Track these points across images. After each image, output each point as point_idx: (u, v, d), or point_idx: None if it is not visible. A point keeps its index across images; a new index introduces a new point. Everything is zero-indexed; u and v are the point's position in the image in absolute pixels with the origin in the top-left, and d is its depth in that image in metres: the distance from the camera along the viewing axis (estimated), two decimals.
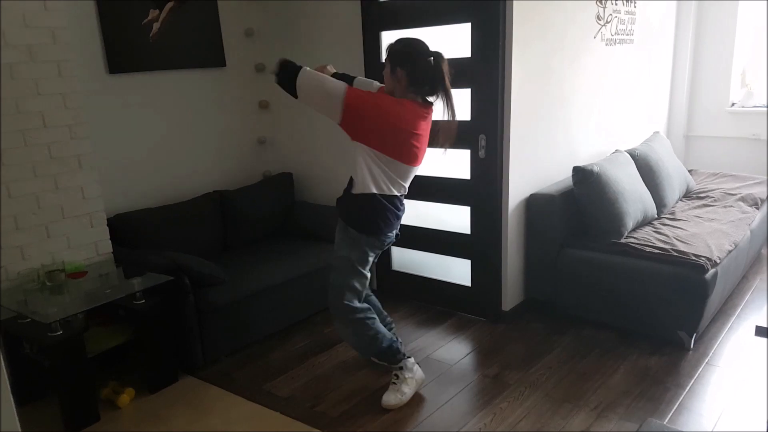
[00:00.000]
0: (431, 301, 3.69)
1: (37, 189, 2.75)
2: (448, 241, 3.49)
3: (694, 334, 3.00)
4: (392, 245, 2.81)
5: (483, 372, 2.90)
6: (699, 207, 3.88)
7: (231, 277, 3.05)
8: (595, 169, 3.29)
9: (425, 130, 2.46)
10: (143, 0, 3.31)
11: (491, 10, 2.97)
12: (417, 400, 2.69)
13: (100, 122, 3.21)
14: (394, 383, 2.67)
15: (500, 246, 3.28)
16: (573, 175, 3.32)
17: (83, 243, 2.94)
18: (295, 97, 2.35)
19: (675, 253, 3.01)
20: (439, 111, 2.44)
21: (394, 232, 2.59)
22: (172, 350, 2.91)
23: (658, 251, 3.06)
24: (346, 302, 2.55)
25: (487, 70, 3.05)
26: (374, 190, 2.43)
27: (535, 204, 3.35)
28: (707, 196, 4.07)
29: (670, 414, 2.49)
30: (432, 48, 2.40)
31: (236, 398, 2.77)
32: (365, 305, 2.63)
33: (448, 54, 2.44)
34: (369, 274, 2.62)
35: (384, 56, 2.47)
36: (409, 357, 2.73)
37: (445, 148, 2.59)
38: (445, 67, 2.36)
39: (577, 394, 2.66)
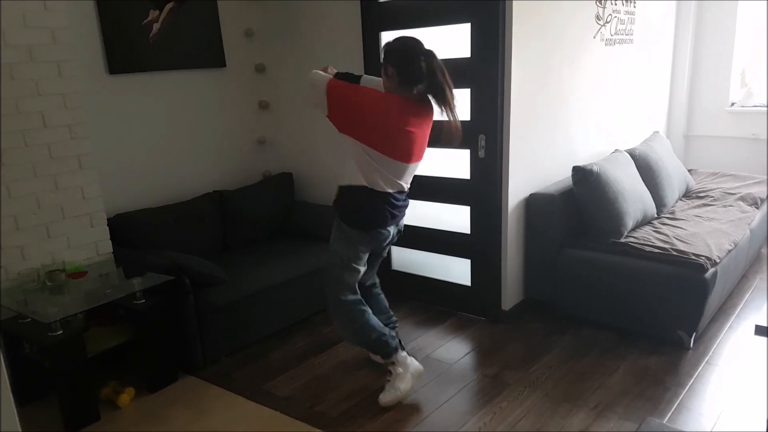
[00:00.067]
0: (431, 301, 3.69)
1: (37, 189, 2.76)
2: (448, 241, 3.49)
3: (694, 334, 3.00)
4: (393, 245, 2.79)
5: (482, 371, 2.91)
6: (699, 206, 3.88)
7: (231, 277, 3.06)
8: (595, 168, 3.29)
9: (419, 127, 2.43)
10: (143, 0, 3.32)
11: (491, 10, 2.97)
12: (416, 399, 2.69)
13: (100, 122, 3.22)
14: (389, 380, 2.67)
15: (500, 246, 3.28)
16: (573, 175, 3.32)
17: (83, 243, 2.95)
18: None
19: (675, 253, 3.01)
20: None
21: (390, 229, 2.56)
22: (172, 350, 2.91)
23: (657, 251, 3.06)
24: (336, 294, 2.61)
25: (487, 70, 3.06)
26: (364, 182, 2.42)
27: (534, 204, 3.35)
28: (707, 196, 4.07)
29: (670, 413, 2.49)
30: (432, 48, 2.38)
31: (236, 398, 2.77)
32: (356, 297, 2.64)
33: (448, 54, 2.44)
34: (362, 269, 2.62)
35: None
36: (402, 351, 2.69)
37: (452, 147, 2.59)
38: (438, 65, 2.33)
39: (577, 393, 2.67)
